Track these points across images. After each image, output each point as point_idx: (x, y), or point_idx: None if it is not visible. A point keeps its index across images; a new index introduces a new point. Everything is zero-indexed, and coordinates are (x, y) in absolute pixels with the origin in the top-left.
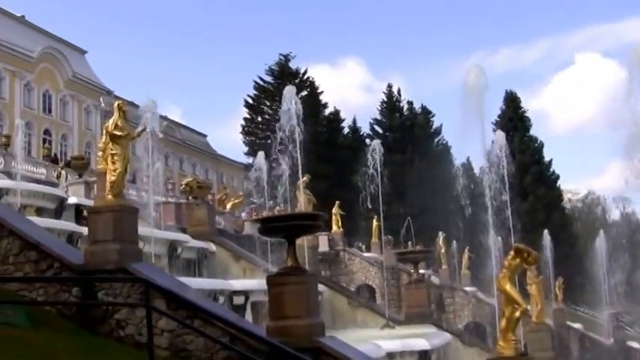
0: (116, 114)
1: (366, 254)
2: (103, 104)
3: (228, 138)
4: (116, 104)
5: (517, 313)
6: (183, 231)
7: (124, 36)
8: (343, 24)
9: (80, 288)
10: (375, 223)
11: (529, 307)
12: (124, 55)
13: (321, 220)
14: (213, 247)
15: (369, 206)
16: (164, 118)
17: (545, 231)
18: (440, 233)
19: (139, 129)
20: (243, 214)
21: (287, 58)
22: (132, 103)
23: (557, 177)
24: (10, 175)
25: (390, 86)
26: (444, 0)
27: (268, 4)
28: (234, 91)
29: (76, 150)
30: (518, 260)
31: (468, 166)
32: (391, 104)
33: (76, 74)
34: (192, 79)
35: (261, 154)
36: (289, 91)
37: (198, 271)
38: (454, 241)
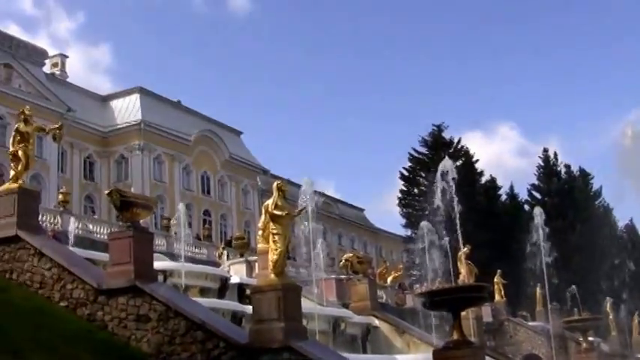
0: (275, 194)
1: (531, 323)
2: (259, 183)
3: (385, 211)
4: (275, 184)
5: None
6: (346, 306)
7: (276, 114)
8: (493, 90)
9: None
10: (538, 291)
11: None
12: (277, 133)
13: (485, 292)
14: (376, 321)
15: (532, 274)
16: (321, 194)
17: None
18: (607, 298)
19: (299, 209)
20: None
21: (440, 128)
22: (288, 181)
23: None
24: (172, 256)
25: (546, 150)
26: (594, 55)
27: (419, 77)
28: (390, 163)
29: (235, 229)
30: None
31: (631, 228)
32: (548, 168)
33: (232, 155)
34: (346, 153)
35: (423, 224)
36: (445, 163)
37: (362, 347)
38: (622, 306)
